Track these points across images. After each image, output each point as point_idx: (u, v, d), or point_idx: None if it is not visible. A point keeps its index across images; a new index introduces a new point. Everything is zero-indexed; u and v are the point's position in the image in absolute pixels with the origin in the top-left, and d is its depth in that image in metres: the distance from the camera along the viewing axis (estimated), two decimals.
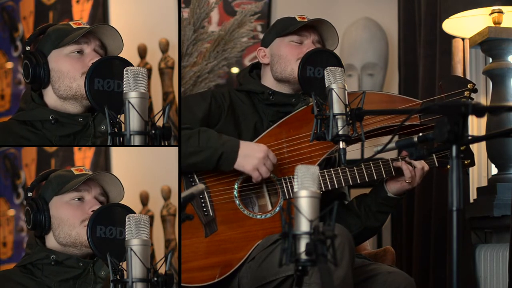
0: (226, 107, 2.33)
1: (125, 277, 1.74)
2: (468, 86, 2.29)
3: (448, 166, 2.30)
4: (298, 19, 2.36)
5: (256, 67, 2.47)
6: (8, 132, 1.99)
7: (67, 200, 1.93)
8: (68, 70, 1.96)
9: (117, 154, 2.50)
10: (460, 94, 2.28)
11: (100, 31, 2.01)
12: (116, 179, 1.97)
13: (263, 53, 2.41)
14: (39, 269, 1.91)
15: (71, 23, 2.02)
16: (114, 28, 2.01)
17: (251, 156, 2.17)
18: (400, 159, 2.28)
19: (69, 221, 1.92)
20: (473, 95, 2.31)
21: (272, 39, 2.40)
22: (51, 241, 1.94)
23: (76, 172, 1.96)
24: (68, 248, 1.93)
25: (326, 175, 2.25)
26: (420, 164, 2.27)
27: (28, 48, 1.98)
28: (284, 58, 2.34)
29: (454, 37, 3.09)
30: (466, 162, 2.33)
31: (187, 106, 2.30)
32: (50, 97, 2.00)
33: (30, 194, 1.95)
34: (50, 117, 1.96)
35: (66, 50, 1.97)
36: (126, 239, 1.74)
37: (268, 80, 2.40)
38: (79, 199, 1.94)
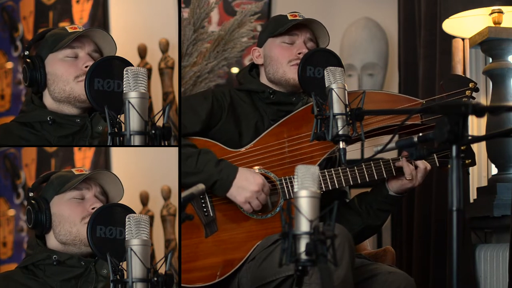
0: (226, 106, 2.33)
1: (125, 277, 1.75)
2: (470, 85, 2.28)
3: (449, 166, 2.31)
4: (290, 17, 2.35)
5: (256, 66, 2.47)
6: (8, 134, 2.02)
7: (68, 199, 1.95)
8: (62, 74, 2.00)
9: (117, 154, 2.50)
10: (462, 93, 2.28)
11: (94, 35, 2.03)
12: (115, 178, 1.98)
13: (258, 53, 2.41)
14: (41, 270, 1.92)
15: (67, 27, 2.05)
16: (107, 32, 2.04)
17: (245, 189, 2.16)
18: (400, 159, 2.28)
19: (70, 218, 1.93)
20: (475, 96, 2.31)
21: (265, 39, 2.39)
22: (51, 241, 1.95)
23: (76, 173, 1.98)
24: (68, 246, 1.94)
25: (327, 175, 2.24)
26: (423, 164, 2.26)
27: (27, 52, 2.02)
28: (276, 60, 2.34)
29: (454, 37, 3.09)
30: (467, 161, 2.32)
31: (189, 106, 2.30)
32: (48, 100, 2.03)
33: (31, 194, 1.96)
34: (48, 118, 1.98)
35: (61, 54, 2.01)
36: (126, 239, 1.75)
37: (264, 80, 2.40)
38: (80, 198, 1.95)
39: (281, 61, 2.33)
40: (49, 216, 1.93)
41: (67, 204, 1.94)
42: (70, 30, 2.02)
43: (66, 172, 1.99)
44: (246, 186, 2.16)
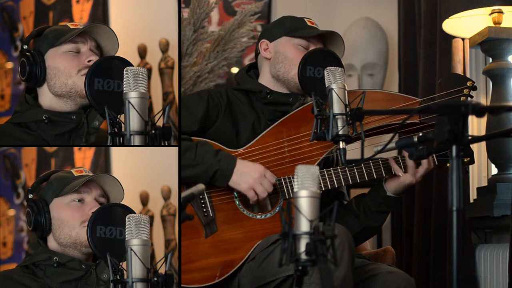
0: (223, 106, 2.33)
1: (125, 277, 1.75)
2: (468, 84, 2.28)
3: (448, 165, 2.31)
4: (308, 23, 2.36)
5: (254, 67, 2.47)
6: (4, 135, 2.00)
7: (67, 202, 1.94)
8: (64, 67, 1.98)
9: (117, 154, 2.50)
10: (460, 92, 2.28)
11: (96, 31, 2.02)
12: (116, 181, 1.97)
13: (266, 46, 2.40)
14: (41, 270, 1.91)
15: (68, 24, 2.04)
16: (110, 28, 2.02)
17: (247, 175, 2.17)
18: (399, 158, 2.28)
19: (69, 222, 1.92)
20: (473, 94, 2.31)
21: (278, 35, 2.38)
22: (52, 242, 1.95)
23: (76, 174, 1.97)
24: (69, 249, 1.93)
25: (326, 175, 2.24)
26: (427, 164, 2.26)
27: (25, 46, 2.00)
28: (290, 61, 2.34)
29: (454, 37, 3.09)
30: (465, 160, 2.32)
31: (185, 106, 2.31)
32: (46, 96, 2.01)
33: (31, 196, 1.95)
34: (43, 117, 1.96)
35: (63, 48, 1.99)
36: (126, 239, 1.75)
37: (265, 76, 2.40)
38: (79, 200, 1.94)
39: (296, 62, 2.31)
40: (49, 219, 1.92)
41: (67, 208, 1.93)
42: (71, 27, 2.01)
43: (65, 173, 1.98)
44: (248, 172, 2.17)
